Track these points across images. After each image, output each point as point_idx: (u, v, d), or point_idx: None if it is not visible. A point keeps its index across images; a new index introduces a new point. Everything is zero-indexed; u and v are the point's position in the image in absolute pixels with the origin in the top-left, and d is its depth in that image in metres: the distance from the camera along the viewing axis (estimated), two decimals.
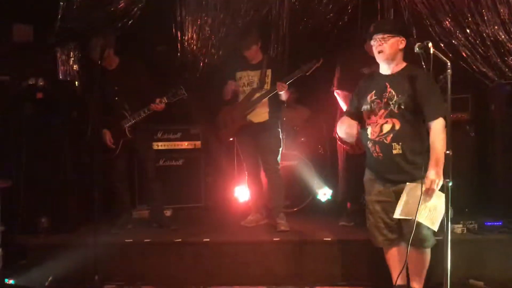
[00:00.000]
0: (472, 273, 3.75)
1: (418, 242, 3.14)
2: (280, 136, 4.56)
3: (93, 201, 3.89)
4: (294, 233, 4.28)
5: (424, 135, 3.08)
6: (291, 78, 4.27)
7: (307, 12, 5.50)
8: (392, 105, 3.11)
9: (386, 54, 3.13)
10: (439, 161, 2.90)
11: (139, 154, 4.59)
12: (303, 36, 5.49)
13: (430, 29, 4.93)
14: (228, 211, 5.11)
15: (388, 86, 3.16)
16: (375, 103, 3.20)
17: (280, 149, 4.57)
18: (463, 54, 4.83)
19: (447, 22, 4.88)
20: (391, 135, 3.12)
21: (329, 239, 3.99)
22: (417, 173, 3.03)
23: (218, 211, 5.23)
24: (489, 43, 4.75)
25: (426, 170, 2.96)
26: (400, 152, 3.10)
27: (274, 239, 4.06)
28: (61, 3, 4.84)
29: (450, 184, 2.60)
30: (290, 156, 5.08)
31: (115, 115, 4.40)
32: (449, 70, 2.58)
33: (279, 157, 4.57)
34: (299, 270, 3.90)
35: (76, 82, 5.18)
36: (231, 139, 4.70)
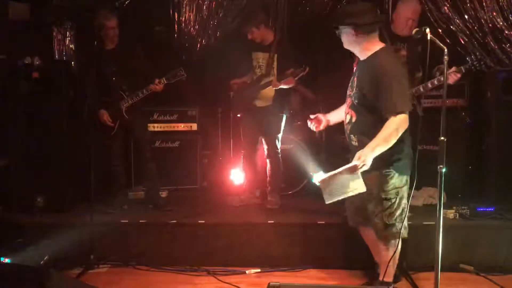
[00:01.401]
0: (463, 258, 3.81)
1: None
2: (283, 121, 4.62)
3: (89, 181, 3.91)
4: (289, 216, 4.32)
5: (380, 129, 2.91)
6: (282, 78, 4.29)
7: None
8: (352, 96, 3.07)
9: (345, 45, 3.06)
10: (374, 148, 2.80)
11: (135, 134, 4.60)
12: (302, 20, 5.47)
13: (429, 14, 4.91)
14: (224, 193, 5.13)
15: (356, 75, 3.10)
16: (348, 90, 3.17)
17: (280, 134, 4.63)
18: (461, 40, 4.82)
19: (445, 8, 4.86)
20: (349, 126, 3.12)
21: (323, 222, 4.02)
22: (372, 166, 2.88)
23: (214, 193, 5.26)
24: (486, 30, 4.74)
25: (381, 164, 2.94)
26: (357, 144, 3.06)
27: (269, 221, 4.09)
28: None
29: (444, 170, 2.61)
30: (286, 139, 5.09)
31: (112, 96, 4.39)
32: (446, 57, 2.57)
33: (279, 142, 4.64)
34: (293, 252, 3.94)
35: (73, 62, 5.15)
36: (238, 115, 4.83)
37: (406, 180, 3.09)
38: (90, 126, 4.13)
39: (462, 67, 3.72)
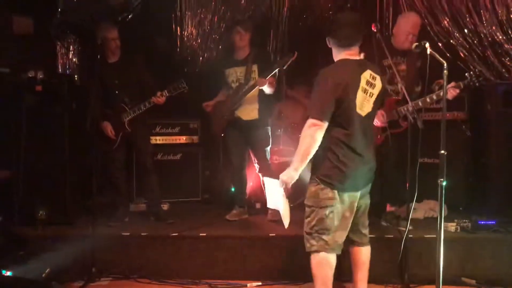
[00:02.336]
0: (465, 271, 3.80)
1: None
2: (269, 134, 4.64)
3: (91, 193, 3.91)
4: (290, 229, 4.27)
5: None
6: (269, 73, 4.29)
7: (306, 8, 5.52)
8: None
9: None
10: (294, 162, 2.89)
11: (137, 147, 4.62)
12: (302, 33, 5.52)
13: (429, 28, 4.97)
14: (225, 205, 5.13)
15: None
16: None
17: (269, 147, 4.66)
18: (461, 54, 4.86)
19: (445, 22, 4.91)
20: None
21: None
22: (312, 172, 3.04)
23: (215, 206, 5.26)
24: (486, 44, 4.79)
25: (313, 169, 3.01)
26: None
27: (270, 234, 4.09)
28: None
29: (444, 183, 2.62)
30: (287, 152, 5.11)
31: (114, 108, 4.43)
32: (445, 71, 2.60)
33: (268, 154, 4.67)
34: (295, 265, 3.93)
35: (76, 76, 5.19)
36: (222, 134, 4.70)
37: (335, 196, 2.96)
38: (93, 138, 4.15)
39: (461, 83, 3.74)
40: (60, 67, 5.23)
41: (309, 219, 3.03)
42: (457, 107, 4.85)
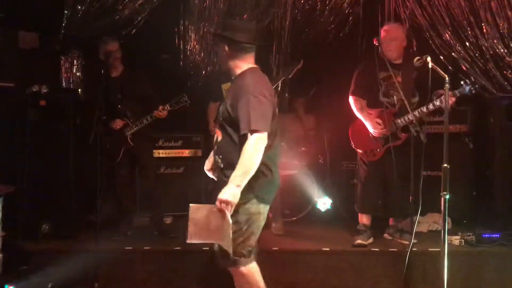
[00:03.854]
0: (469, 285, 3.77)
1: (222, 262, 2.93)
2: None
3: (94, 208, 3.92)
4: (293, 243, 4.31)
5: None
6: (274, 82, 4.32)
7: (308, 23, 5.56)
8: (220, 115, 2.93)
9: (218, 59, 3.00)
10: (236, 178, 2.64)
11: (140, 161, 4.63)
12: (305, 47, 5.55)
13: (430, 41, 4.99)
14: None
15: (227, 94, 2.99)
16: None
17: None
18: (463, 67, 4.88)
19: (447, 35, 4.94)
20: (216, 147, 2.93)
21: (328, 249, 4.01)
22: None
23: None
24: (488, 57, 4.80)
25: (248, 186, 2.70)
26: (222, 166, 2.86)
27: (273, 248, 4.08)
28: (66, 12, 4.90)
29: (448, 197, 2.62)
30: (290, 165, 5.11)
31: (117, 123, 4.45)
32: (447, 85, 2.62)
33: None
34: (297, 279, 3.91)
35: (79, 90, 5.22)
36: None
37: (266, 210, 2.88)
38: (97, 153, 4.17)
39: (456, 91, 3.74)
40: (64, 82, 5.26)
41: (242, 238, 2.82)
42: (460, 120, 4.87)
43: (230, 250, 2.73)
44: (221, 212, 2.64)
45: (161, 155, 5.41)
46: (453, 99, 3.75)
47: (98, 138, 4.10)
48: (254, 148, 2.63)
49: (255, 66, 2.90)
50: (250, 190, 2.74)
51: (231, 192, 2.63)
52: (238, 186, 2.64)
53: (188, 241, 2.80)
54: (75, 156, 4.46)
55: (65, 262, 3.81)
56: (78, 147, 4.47)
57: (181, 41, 5.51)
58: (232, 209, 2.65)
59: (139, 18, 5.19)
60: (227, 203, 2.62)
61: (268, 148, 2.73)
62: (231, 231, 2.64)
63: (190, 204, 2.80)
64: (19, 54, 4.72)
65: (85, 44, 5.13)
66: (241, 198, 2.68)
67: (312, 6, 5.47)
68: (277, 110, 2.89)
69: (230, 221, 2.62)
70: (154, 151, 5.11)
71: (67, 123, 4.46)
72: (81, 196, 4.55)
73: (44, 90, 4.41)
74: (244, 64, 2.86)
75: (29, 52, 4.80)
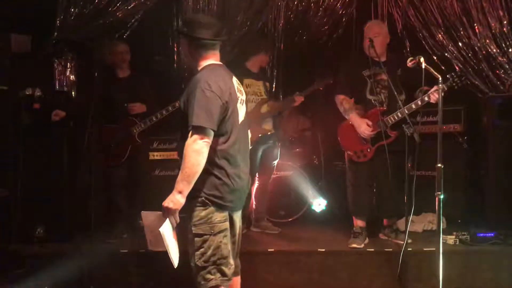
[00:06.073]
0: (464, 284, 3.78)
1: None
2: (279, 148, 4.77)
3: (89, 210, 3.91)
4: (289, 244, 4.31)
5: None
6: (308, 92, 4.37)
7: (302, 24, 5.58)
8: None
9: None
10: (177, 183, 2.51)
11: (137, 161, 4.62)
12: (298, 48, 5.57)
13: (423, 42, 5.02)
14: None
15: None
16: None
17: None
18: (456, 67, 4.90)
19: (440, 35, 4.96)
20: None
21: (324, 249, 4.01)
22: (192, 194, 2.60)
23: None
24: (481, 57, 4.83)
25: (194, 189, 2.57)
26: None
27: (269, 249, 4.08)
28: (59, 14, 4.88)
29: (442, 196, 2.63)
30: (285, 166, 5.12)
31: (123, 122, 4.47)
32: (440, 85, 2.63)
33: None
34: (293, 280, 3.92)
35: (73, 93, 5.21)
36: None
37: (227, 217, 2.70)
38: (91, 155, 4.16)
39: (443, 85, 3.73)
40: (57, 84, 5.24)
41: (202, 250, 2.65)
42: (453, 120, 4.89)
43: (174, 264, 2.63)
44: (164, 218, 2.52)
45: (156, 157, 5.39)
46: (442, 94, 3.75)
47: (91, 140, 4.09)
48: (191, 148, 2.48)
49: (217, 62, 2.77)
50: (197, 192, 2.60)
51: (171, 199, 2.52)
52: (180, 192, 2.51)
53: (150, 249, 2.69)
54: (69, 159, 4.45)
55: (60, 265, 3.80)
56: (72, 150, 4.45)
57: (175, 43, 5.50)
58: (175, 216, 2.54)
59: (132, 20, 5.18)
60: (167, 210, 2.52)
61: (222, 147, 2.61)
62: (168, 243, 2.54)
63: (142, 211, 2.67)
64: (11, 57, 4.70)
65: (78, 47, 5.11)
66: (191, 205, 2.58)
67: (305, 8, 5.49)
68: (242, 108, 2.78)
69: (165, 229, 2.50)
70: (149, 153, 5.11)
71: (61, 125, 4.44)
72: (76, 199, 4.53)
73: (38, 93, 4.40)
74: (205, 61, 2.74)
75: (22, 55, 4.78)
